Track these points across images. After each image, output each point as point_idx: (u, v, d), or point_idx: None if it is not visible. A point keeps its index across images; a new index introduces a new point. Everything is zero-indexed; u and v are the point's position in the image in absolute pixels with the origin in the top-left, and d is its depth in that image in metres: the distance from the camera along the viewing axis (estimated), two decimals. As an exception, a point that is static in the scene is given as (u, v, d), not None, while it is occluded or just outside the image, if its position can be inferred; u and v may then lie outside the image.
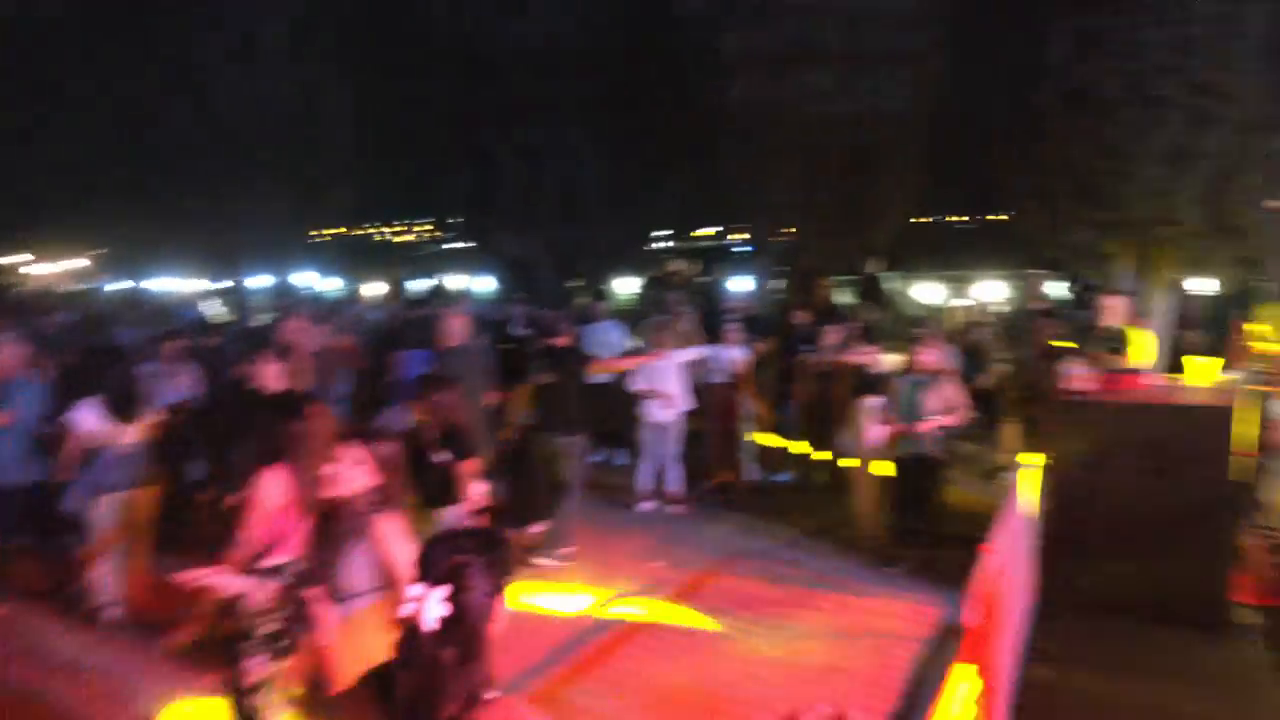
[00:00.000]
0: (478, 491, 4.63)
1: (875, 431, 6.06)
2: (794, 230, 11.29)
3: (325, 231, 21.25)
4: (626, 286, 19.12)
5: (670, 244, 23.87)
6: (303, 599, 3.00)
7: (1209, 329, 9.17)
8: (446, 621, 1.59)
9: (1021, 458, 4.95)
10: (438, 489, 4.49)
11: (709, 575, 5.73)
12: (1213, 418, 5.11)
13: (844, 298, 12.31)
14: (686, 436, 7.02)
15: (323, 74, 14.01)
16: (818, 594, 5.34)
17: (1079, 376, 5.69)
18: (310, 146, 13.81)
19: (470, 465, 4.61)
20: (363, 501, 2.98)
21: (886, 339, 7.81)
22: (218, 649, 3.31)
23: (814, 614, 5.08)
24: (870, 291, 12.17)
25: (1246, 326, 7.01)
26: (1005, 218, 11.18)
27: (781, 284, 11.63)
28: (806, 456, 7.52)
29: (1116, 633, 4.73)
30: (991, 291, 15.89)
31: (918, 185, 10.77)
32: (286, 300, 12.71)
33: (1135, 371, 5.85)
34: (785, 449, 7.81)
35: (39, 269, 20.03)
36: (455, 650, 1.58)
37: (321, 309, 10.07)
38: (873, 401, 6.16)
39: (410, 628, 1.61)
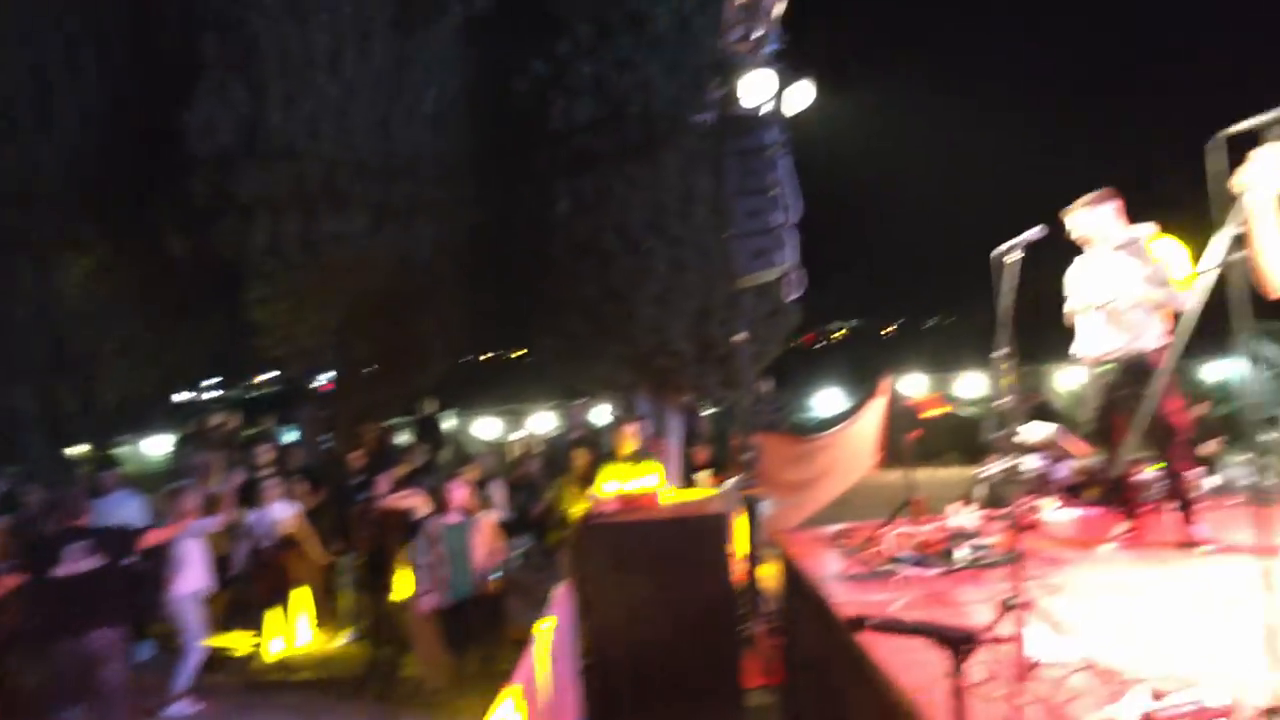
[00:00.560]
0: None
1: (423, 576, 5.93)
2: (335, 376, 10.95)
3: None
4: (158, 446, 16.88)
5: (219, 393, 21.97)
6: None
7: (714, 443, 10.71)
8: None
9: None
10: None
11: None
12: (711, 525, 5.84)
13: (403, 439, 12.19)
14: (234, 608, 6.25)
15: None
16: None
17: (603, 500, 6.19)
18: None
19: None
20: None
21: (443, 479, 7.82)
22: None
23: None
24: (427, 432, 12.19)
25: (738, 440, 8.26)
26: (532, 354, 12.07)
27: (329, 432, 11.13)
28: (367, 612, 7.13)
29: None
30: (544, 423, 17.02)
31: (461, 325, 11.14)
32: None
33: (650, 490, 6.51)
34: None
35: None
36: None
37: None
38: (419, 545, 6.05)
39: None
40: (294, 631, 7.28)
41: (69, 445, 11.00)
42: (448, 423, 15.60)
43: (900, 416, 6.09)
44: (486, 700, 5.38)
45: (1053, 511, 5.94)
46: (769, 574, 6.22)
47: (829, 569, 5.02)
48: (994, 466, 3.86)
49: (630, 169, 8.82)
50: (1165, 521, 5.37)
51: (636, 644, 5.30)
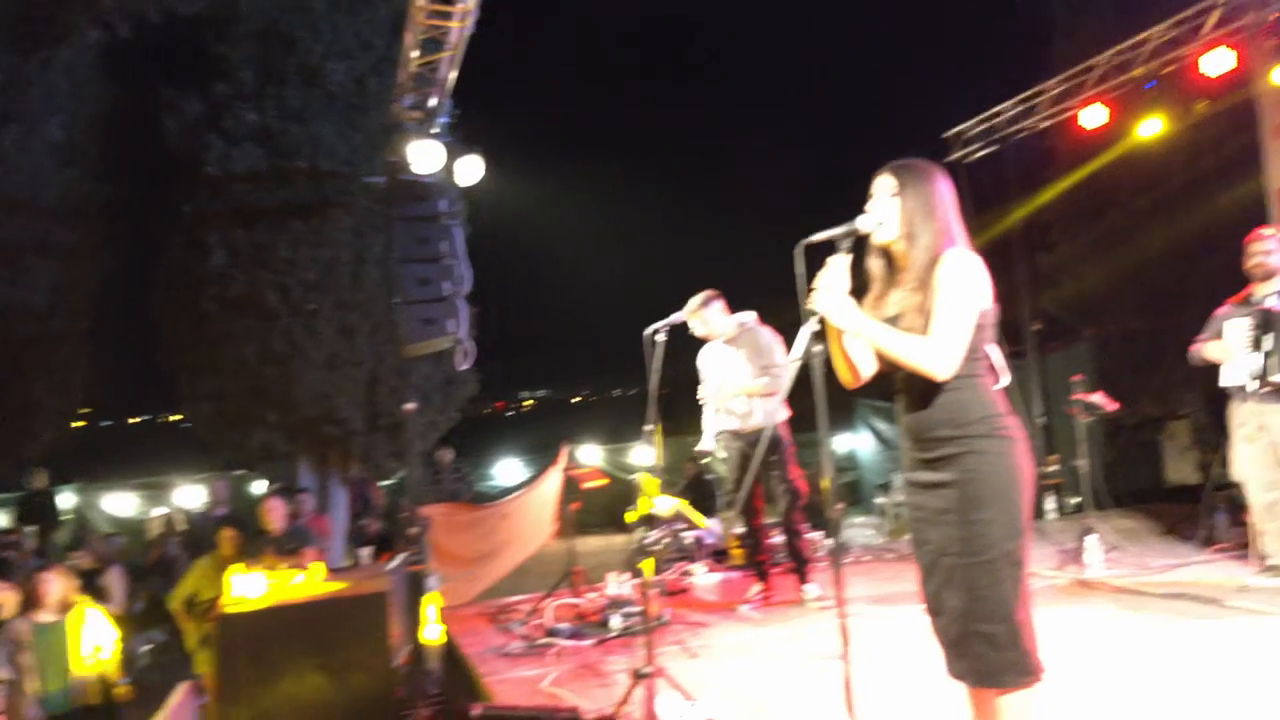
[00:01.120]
0: None
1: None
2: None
3: None
4: None
5: None
6: None
7: (387, 516, 10.21)
8: None
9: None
10: None
11: None
12: (371, 605, 5.50)
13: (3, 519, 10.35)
14: None
15: None
16: None
17: (248, 583, 5.57)
18: None
19: None
20: None
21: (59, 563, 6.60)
22: None
23: None
24: (35, 510, 10.37)
25: (407, 513, 7.93)
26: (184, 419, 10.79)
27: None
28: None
29: None
30: (193, 497, 15.18)
31: (86, 385, 9.69)
32: None
33: (303, 570, 6.01)
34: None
35: None
36: None
37: None
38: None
39: None
40: None
41: None
42: (67, 498, 13.38)
43: (568, 487, 6.23)
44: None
45: (701, 576, 6.37)
46: (434, 654, 5.99)
47: (489, 645, 4.94)
48: (652, 535, 4.03)
49: (296, 225, 8.31)
50: (794, 581, 5.96)
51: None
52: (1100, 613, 4.62)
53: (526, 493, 8.63)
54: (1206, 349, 4.97)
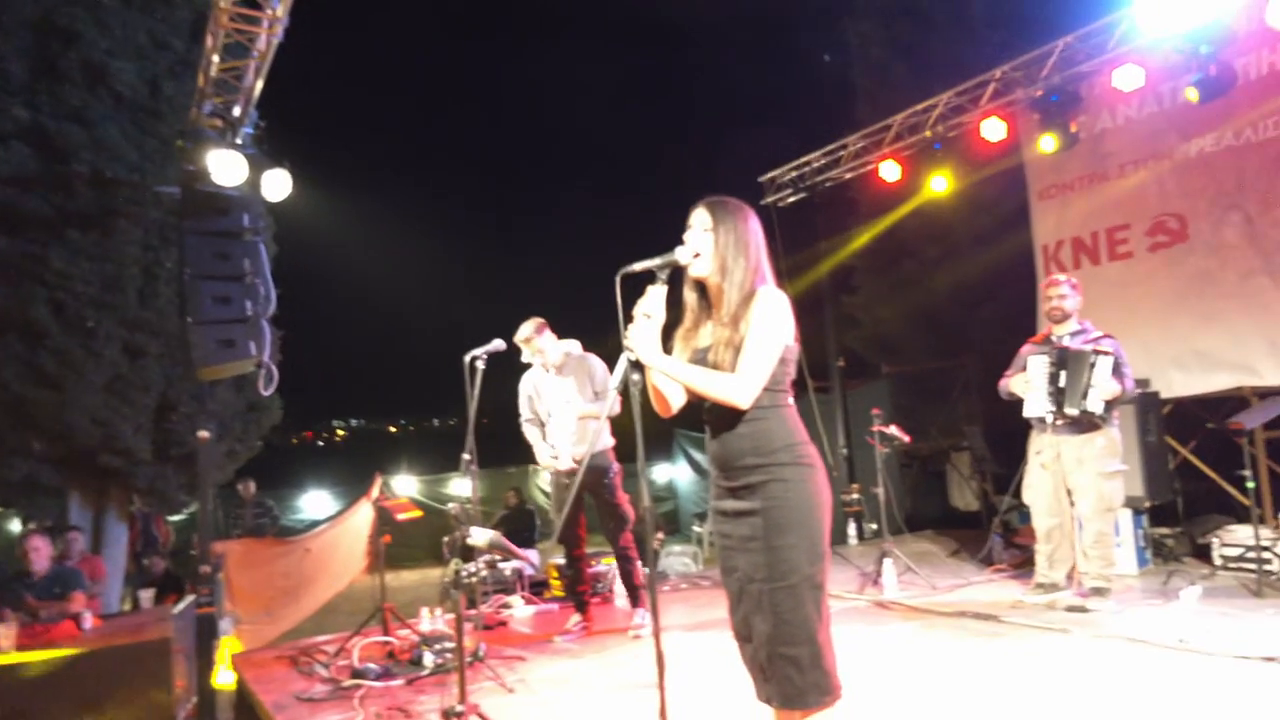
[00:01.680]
0: None
1: None
2: None
3: None
4: None
5: None
6: None
7: (176, 554, 9.35)
8: None
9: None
10: None
11: None
12: (152, 654, 5.01)
13: None
14: None
15: None
16: None
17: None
18: None
19: None
20: None
21: None
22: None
23: None
24: None
25: (199, 550, 7.28)
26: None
27: None
28: None
29: None
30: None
31: None
32: None
33: (76, 617, 5.39)
34: None
35: None
36: None
37: None
38: None
39: None
40: None
41: None
42: None
43: (378, 519, 5.94)
44: None
45: (519, 608, 6.25)
46: (226, 703, 5.52)
47: (290, 690, 4.59)
48: (469, 567, 3.90)
49: (74, 235, 7.50)
50: (613, 610, 5.97)
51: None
52: (895, 631, 4.91)
53: (334, 526, 8.19)
54: (1012, 383, 5.37)
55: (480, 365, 4.34)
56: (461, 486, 18.58)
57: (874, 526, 8.48)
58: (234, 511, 9.69)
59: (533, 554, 7.39)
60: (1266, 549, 5.44)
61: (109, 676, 4.82)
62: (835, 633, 2.31)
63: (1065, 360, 5.08)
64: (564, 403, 5.23)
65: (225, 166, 5.08)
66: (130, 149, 7.79)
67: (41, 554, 5.83)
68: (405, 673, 4.67)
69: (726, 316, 2.33)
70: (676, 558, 8.89)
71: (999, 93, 7.32)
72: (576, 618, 5.41)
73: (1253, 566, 5.40)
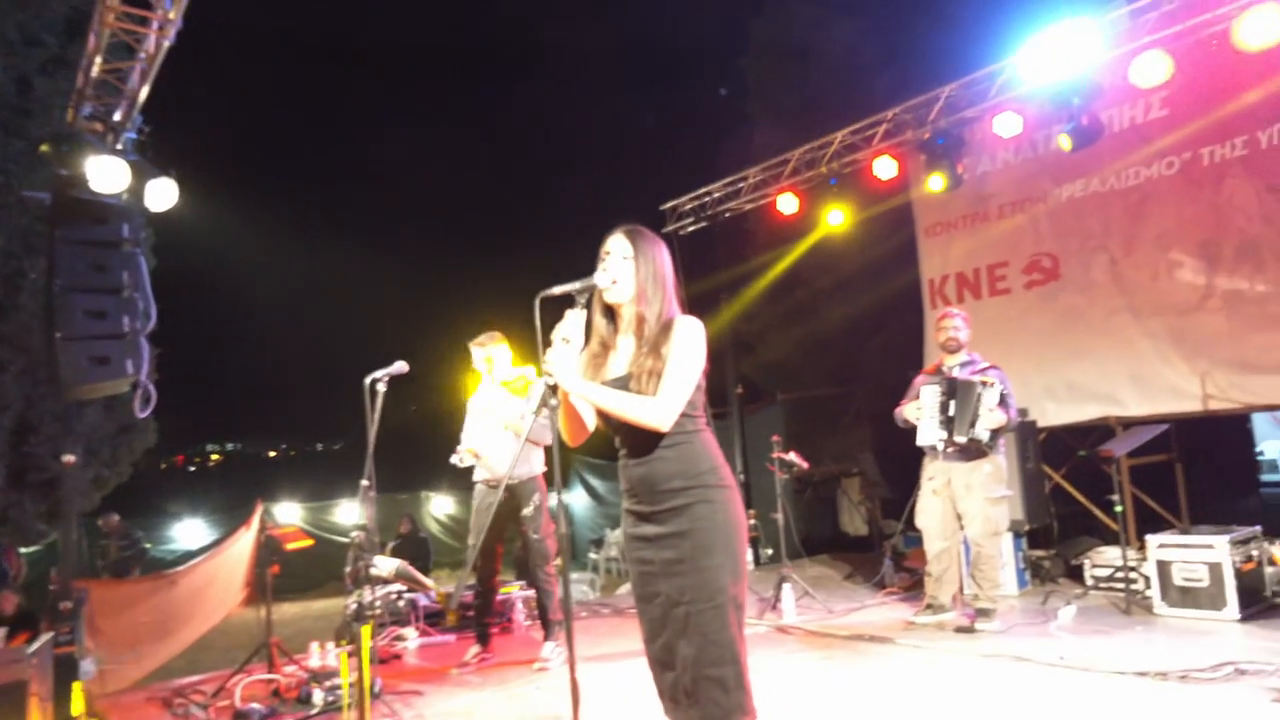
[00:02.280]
0: None
1: None
2: None
3: None
4: None
5: None
6: None
7: (29, 590, 8.61)
8: None
9: None
10: None
11: None
12: (8, 694, 4.59)
13: None
14: None
15: None
16: None
17: None
18: None
19: None
20: None
21: None
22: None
23: None
24: None
25: (58, 585, 6.74)
26: None
27: None
28: None
29: None
30: None
31: None
32: None
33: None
34: None
35: None
36: None
37: None
38: None
39: None
40: None
41: None
42: None
43: (265, 548, 5.62)
44: None
45: (413, 640, 6.02)
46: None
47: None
48: (362, 598, 3.71)
49: (-72, 241, 6.92)
50: (512, 640, 5.83)
51: None
52: (795, 655, 4.98)
53: (211, 557, 7.72)
54: (906, 410, 5.56)
55: (381, 388, 4.19)
56: (349, 513, 17.85)
57: (769, 551, 8.61)
58: (98, 543, 9.04)
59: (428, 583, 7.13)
60: (1133, 569, 5.80)
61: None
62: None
63: (955, 390, 5.31)
64: (494, 420, 5.09)
65: (105, 173, 4.76)
66: (-6, 150, 7.26)
67: None
68: (292, 711, 4.45)
69: (646, 345, 2.35)
70: (574, 585, 8.80)
71: (890, 133, 7.65)
72: (475, 649, 5.26)
73: (1121, 586, 5.75)
